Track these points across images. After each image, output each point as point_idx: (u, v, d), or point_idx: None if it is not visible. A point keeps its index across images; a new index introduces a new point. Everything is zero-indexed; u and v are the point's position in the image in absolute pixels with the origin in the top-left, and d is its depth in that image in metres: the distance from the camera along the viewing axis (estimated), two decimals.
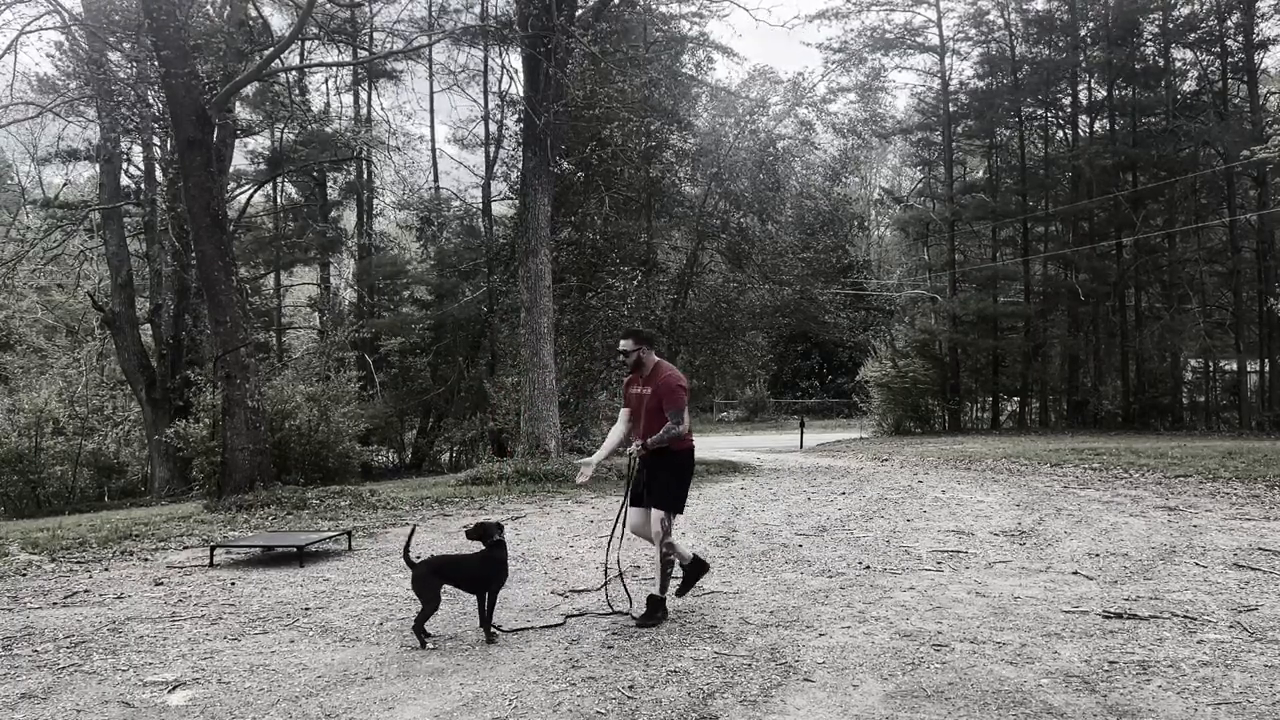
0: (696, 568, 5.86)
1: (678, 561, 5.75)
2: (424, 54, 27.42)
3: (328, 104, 28.65)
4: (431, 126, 62.75)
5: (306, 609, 6.10)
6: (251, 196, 27.25)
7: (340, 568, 7.67)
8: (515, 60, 23.00)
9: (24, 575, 7.63)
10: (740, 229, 26.46)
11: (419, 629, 5.10)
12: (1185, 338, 29.84)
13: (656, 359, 5.73)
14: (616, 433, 5.84)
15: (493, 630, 5.22)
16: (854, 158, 39.39)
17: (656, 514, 5.50)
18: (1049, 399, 34.11)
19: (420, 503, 12.32)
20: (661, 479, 5.49)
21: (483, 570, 5.26)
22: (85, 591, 6.86)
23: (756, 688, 4.29)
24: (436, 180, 30.05)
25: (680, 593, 5.90)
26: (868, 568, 7.22)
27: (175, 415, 19.29)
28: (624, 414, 5.83)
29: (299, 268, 32.03)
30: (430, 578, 5.21)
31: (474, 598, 5.38)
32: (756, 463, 19.82)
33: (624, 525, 5.80)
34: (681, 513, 5.67)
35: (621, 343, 5.67)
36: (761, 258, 26.45)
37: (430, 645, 5.06)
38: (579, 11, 17.30)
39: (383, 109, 36.94)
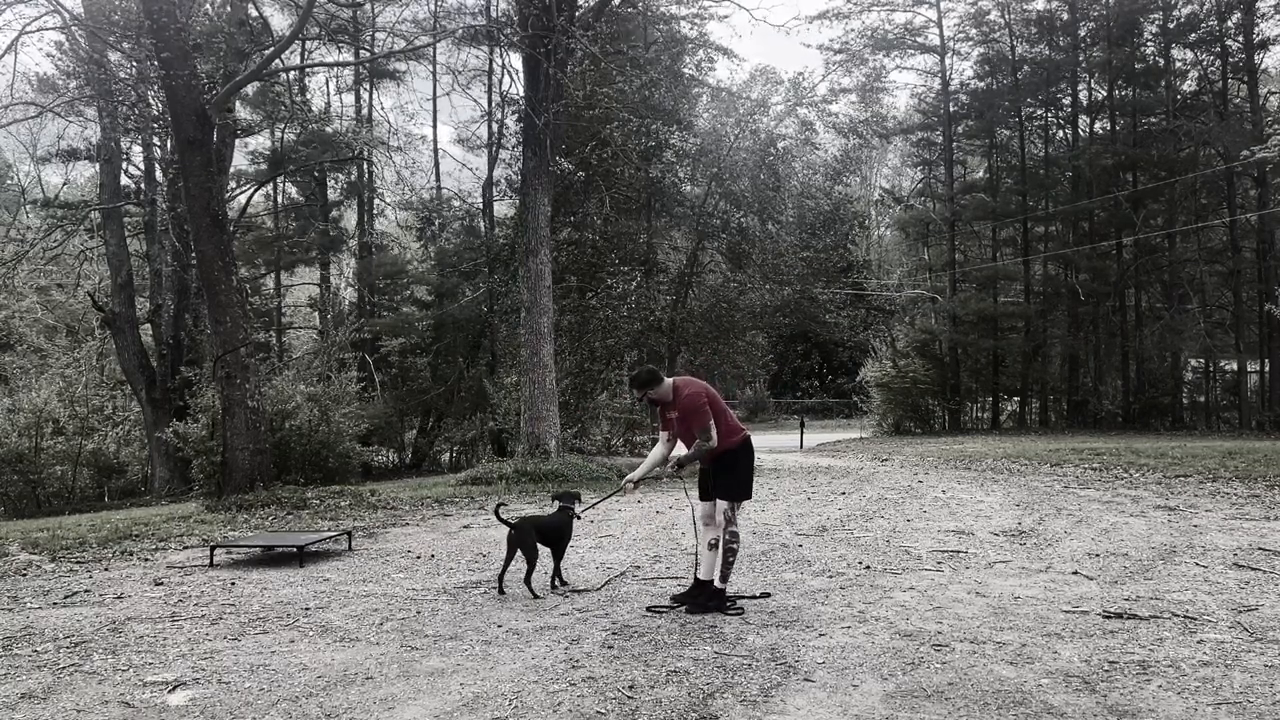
0: (703, 589, 5.96)
1: (703, 568, 5.98)
2: (426, 54, 27.45)
3: (328, 104, 28.67)
4: (434, 127, 62.96)
5: (306, 609, 6.10)
6: (252, 196, 27.24)
7: (340, 568, 7.67)
8: (515, 60, 23.04)
9: (24, 575, 7.63)
10: (740, 229, 26.43)
11: (528, 582, 6.31)
12: (1185, 338, 29.82)
13: (672, 381, 6.03)
14: (657, 452, 6.28)
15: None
16: (855, 158, 39.40)
17: (721, 504, 5.87)
18: (1049, 399, 34.10)
19: (420, 502, 12.32)
20: (722, 475, 5.90)
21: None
22: (85, 591, 6.86)
23: (756, 688, 4.29)
24: (438, 180, 30.07)
25: (677, 598, 6.02)
26: (868, 568, 7.22)
27: (175, 415, 19.28)
28: (663, 436, 6.28)
29: (299, 268, 32.03)
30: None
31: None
32: (756, 463, 19.80)
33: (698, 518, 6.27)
34: (749, 498, 6.07)
35: (633, 390, 6.20)
36: (762, 258, 26.42)
37: (539, 596, 6.24)
38: (579, 12, 17.28)
39: (384, 109, 37.04)
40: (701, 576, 5.98)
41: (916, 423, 33.70)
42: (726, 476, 5.87)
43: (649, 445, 20.39)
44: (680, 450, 6.18)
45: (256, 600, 6.41)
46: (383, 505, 11.90)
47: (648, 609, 5.89)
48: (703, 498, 6.10)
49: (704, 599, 5.83)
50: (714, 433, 5.76)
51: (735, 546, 5.88)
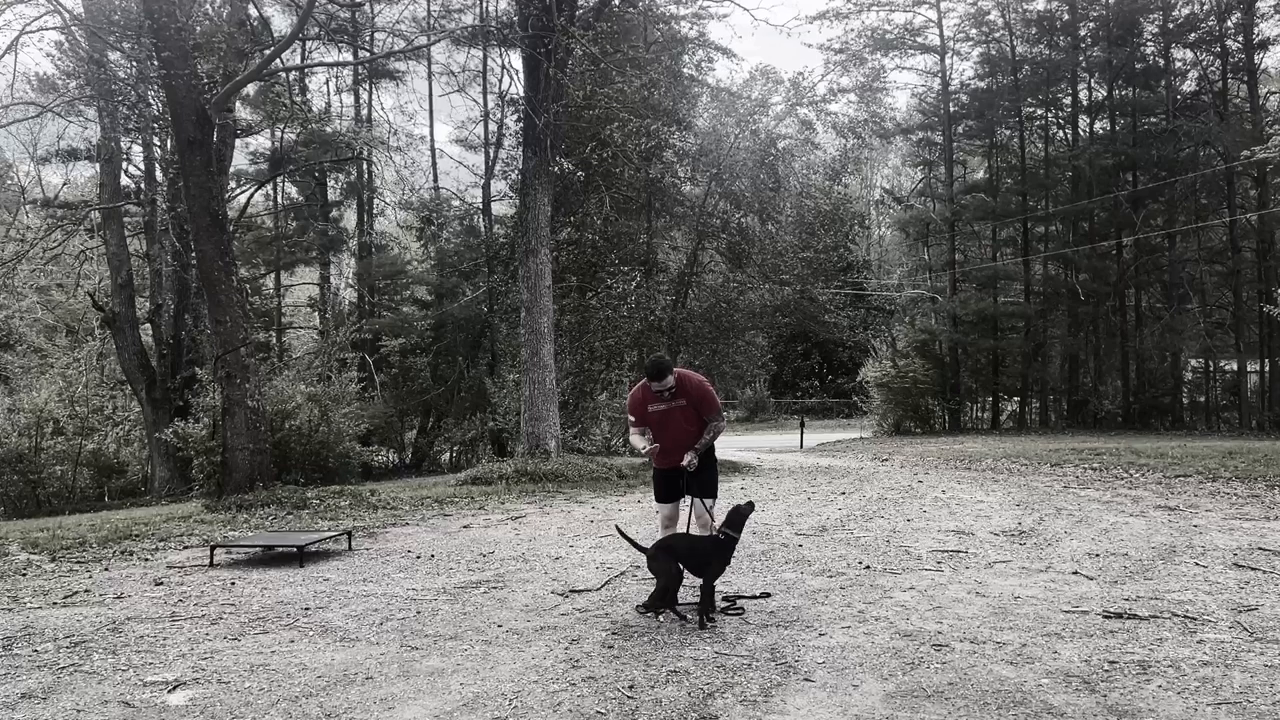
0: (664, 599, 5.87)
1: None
2: (424, 54, 27.46)
3: (328, 104, 28.67)
4: (431, 126, 62.83)
5: (306, 609, 6.10)
6: (252, 196, 27.25)
7: (340, 568, 7.67)
8: (516, 60, 23.02)
9: (24, 575, 7.63)
10: (740, 229, 26.42)
11: (656, 607, 5.55)
12: (1185, 338, 29.82)
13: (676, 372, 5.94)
14: (640, 440, 6.02)
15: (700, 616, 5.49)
16: (855, 158, 39.33)
17: (704, 504, 5.89)
18: (1049, 399, 34.10)
19: (420, 503, 12.32)
20: (703, 472, 5.88)
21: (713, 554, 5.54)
22: (85, 591, 6.86)
23: (756, 688, 4.29)
24: (436, 180, 30.08)
25: (647, 605, 5.81)
26: (868, 568, 7.22)
27: (175, 415, 19.28)
28: (638, 430, 6.01)
29: (299, 268, 32.05)
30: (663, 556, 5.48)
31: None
32: (756, 463, 19.82)
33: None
34: (716, 497, 6.07)
35: (659, 384, 5.75)
36: (761, 257, 26.41)
37: (689, 619, 5.40)
38: (579, 12, 17.29)
39: (383, 109, 37.05)
40: None
41: (916, 423, 33.69)
42: (707, 473, 5.90)
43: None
44: (640, 439, 6.01)
45: (256, 600, 6.41)
46: (383, 505, 11.89)
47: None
48: (665, 499, 6.03)
49: (705, 604, 5.72)
50: (724, 416, 5.81)
51: None
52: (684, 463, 5.73)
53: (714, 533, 5.75)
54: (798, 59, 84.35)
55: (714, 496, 5.94)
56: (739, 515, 5.63)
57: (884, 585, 6.53)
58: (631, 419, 6.03)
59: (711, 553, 5.53)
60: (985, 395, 35.36)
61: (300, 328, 33.20)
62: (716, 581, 5.67)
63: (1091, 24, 33.50)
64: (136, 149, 24.15)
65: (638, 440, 6.03)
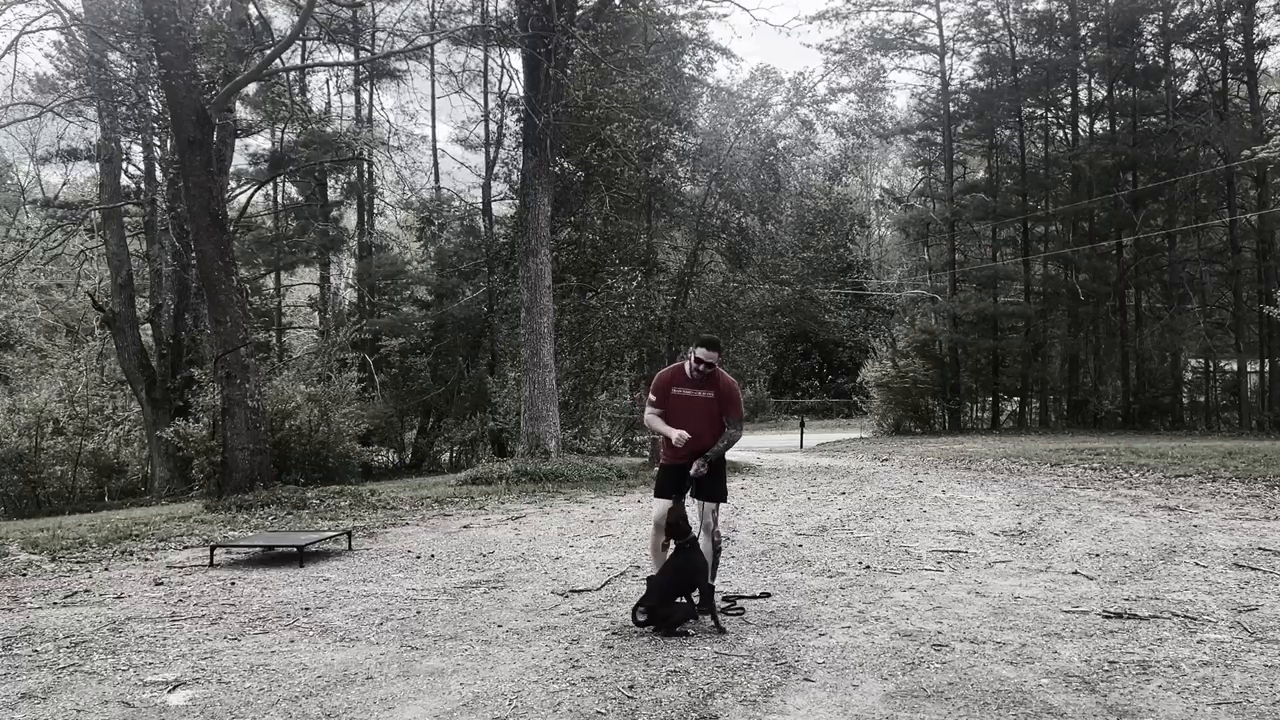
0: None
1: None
2: (426, 54, 27.48)
3: (328, 104, 28.69)
4: (433, 126, 62.96)
5: (306, 609, 6.10)
6: (252, 196, 27.25)
7: (340, 568, 7.67)
8: (516, 60, 23.03)
9: (24, 575, 7.62)
10: (740, 229, 26.41)
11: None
12: (1185, 338, 29.84)
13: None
14: (663, 424, 5.79)
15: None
16: (854, 158, 39.33)
17: (709, 506, 5.79)
18: (1049, 399, 34.11)
19: (420, 503, 12.31)
20: (713, 479, 5.74)
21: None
22: (85, 591, 6.86)
23: (756, 688, 4.29)
24: (437, 180, 30.10)
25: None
26: (868, 568, 7.22)
27: (175, 415, 19.28)
28: (656, 413, 5.78)
29: (299, 268, 32.05)
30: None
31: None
32: (756, 463, 19.82)
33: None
34: (726, 501, 5.97)
35: (707, 352, 5.59)
36: (761, 257, 26.40)
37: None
38: (579, 12, 17.29)
39: (384, 109, 37.03)
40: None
41: (916, 423, 33.70)
42: (716, 479, 5.79)
43: (649, 445, 20.39)
44: (664, 425, 5.78)
45: (256, 600, 6.41)
46: (383, 505, 11.89)
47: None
48: (664, 495, 5.75)
49: (707, 605, 5.71)
50: (743, 427, 5.74)
51: (721, 547, 5.92)
52: (693, 471, 5.60)
53: (715, 537, 5.76)
54: (798, 59, 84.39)
55: (723, 501, 5.84)
56: (675, 527, 5.42)
57: (884, 585, 6.53)
58: (653, 398, 5.82)
59: (676, 571, 5.36)
60: (985, 395, 35.37)
61: (300, 328, 33.19)
62: (715, 581, 5.67)
63: (1091, 24, 33.53)
64: (136, 149, 24.18)
65: (659, 425, 5.75)
